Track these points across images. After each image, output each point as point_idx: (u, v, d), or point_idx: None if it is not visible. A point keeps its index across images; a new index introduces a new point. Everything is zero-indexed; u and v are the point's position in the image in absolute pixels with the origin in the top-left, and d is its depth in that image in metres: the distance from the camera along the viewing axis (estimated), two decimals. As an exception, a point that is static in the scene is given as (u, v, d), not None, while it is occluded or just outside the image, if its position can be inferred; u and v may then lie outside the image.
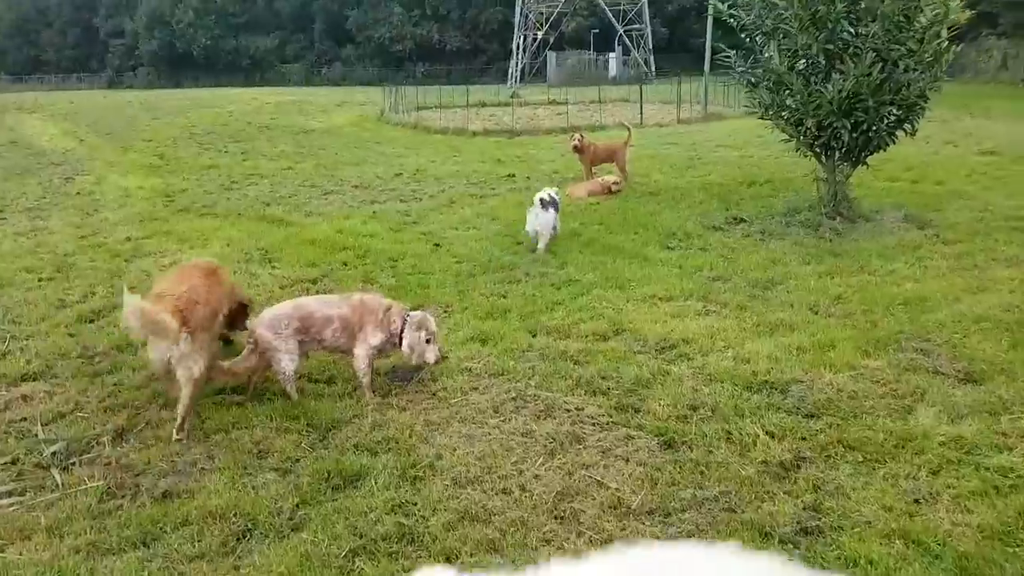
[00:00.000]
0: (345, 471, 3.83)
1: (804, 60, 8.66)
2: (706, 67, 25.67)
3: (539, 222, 8.10)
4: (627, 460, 3.86)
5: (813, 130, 8.87)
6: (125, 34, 77.82)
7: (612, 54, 65.41)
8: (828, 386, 4.75)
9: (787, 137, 9.44)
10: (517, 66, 62.29)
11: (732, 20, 9.60)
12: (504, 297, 6.74)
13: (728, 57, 9.68)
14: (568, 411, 4.35)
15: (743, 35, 9.56)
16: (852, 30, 8.28)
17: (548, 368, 5.00)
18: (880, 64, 8.28)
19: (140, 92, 55.93)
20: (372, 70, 71.77)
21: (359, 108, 33.76)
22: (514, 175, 13.86)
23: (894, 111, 8.71)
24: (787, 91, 8.98)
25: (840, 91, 8.33)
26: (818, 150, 9.28)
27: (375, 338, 4.71)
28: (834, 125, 8.62)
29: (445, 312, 6.33)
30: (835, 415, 4.37)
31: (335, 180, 13.76)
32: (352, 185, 13.24)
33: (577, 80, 53.12)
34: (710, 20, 24.22)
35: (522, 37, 64.48)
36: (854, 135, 8.68)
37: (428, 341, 4.64)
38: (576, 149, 12.78)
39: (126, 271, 7.71)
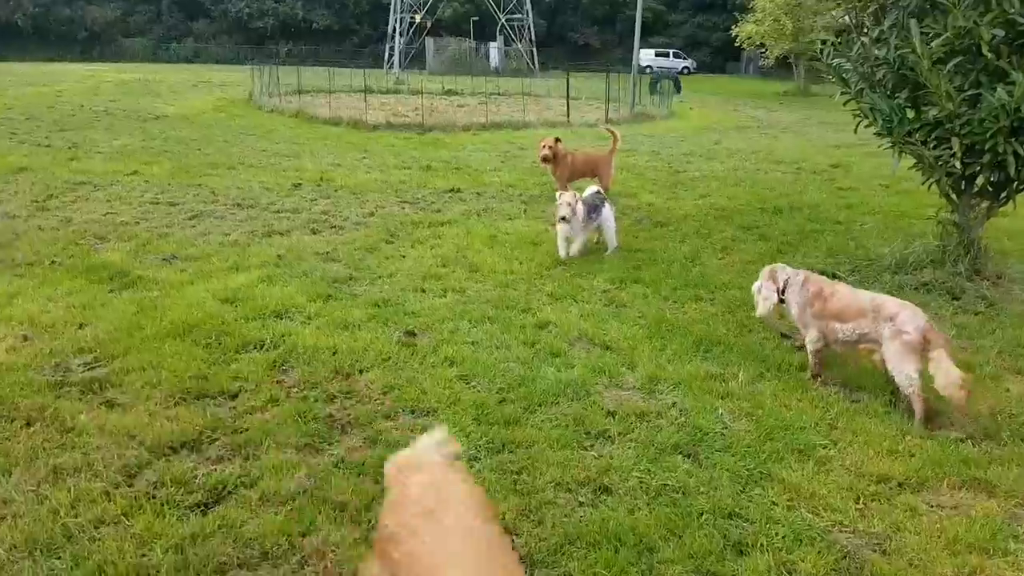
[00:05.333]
0: None
1: (960, 52, 5.79)
2: (635, 62, 23.01)
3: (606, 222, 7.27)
4: None
5: (960, 155, 6.03)
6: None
7: (493, 44, 62.49)
8: None
9: (918, 165, 6.55)
10: (395, 51, 58.04)
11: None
12: (606, 494, 3.38)
13: (823, 43, 6.73)
14: None
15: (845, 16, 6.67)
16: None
17: None
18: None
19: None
20: (229, 48, 65.16)
21: (219, 90, 28.86)
22: (459, 190, 10.38)
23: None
24: (922, 96, 6.13)
25: (1019, 99, 5.52)
26: (953, 184, 6.49)
27: None
28: (998, 149, 5.81)
29: (522, 557, 2.90)
30: None
31: (204, 193, 9.75)
32: (232, 202, 9.31)
33: (458, 69, 50.03)
34: (639, 9, 21.51)
35: (398, 20, 60.25)
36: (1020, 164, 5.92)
37: None
38: (546, 160, 9.50)
39: None
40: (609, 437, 3.86)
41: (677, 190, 10.79)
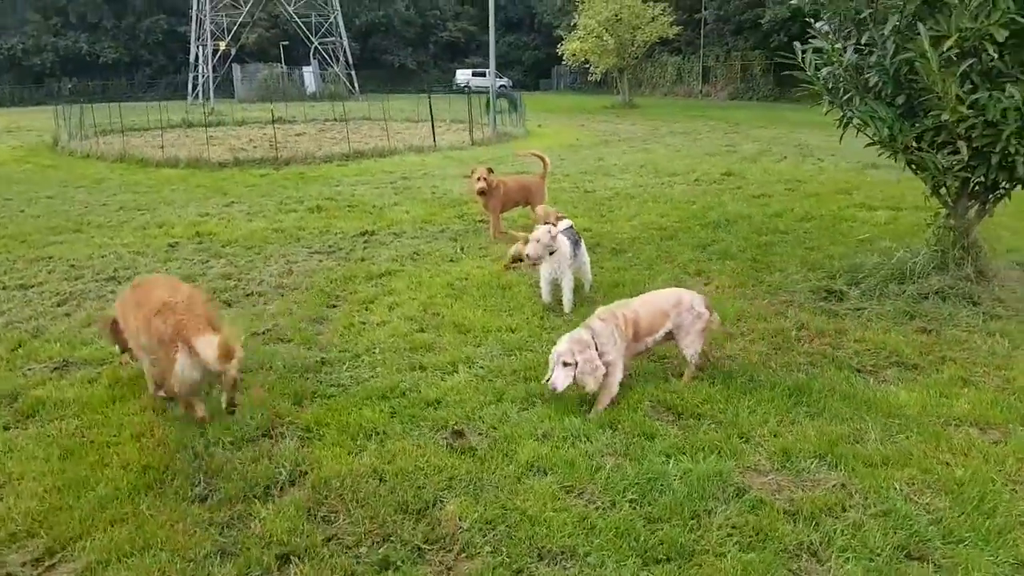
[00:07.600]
0: None
1: (967, 54, 5.51)
2: (492, 80, 22.41)
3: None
4: None
5: (965, 159, 5.78)
6: None
7: (308, 68, 60.13)
8: None
9: (919, 171, 6.23)
10: (200, 80, 54.19)
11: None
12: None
13: (804, 52, 6.30)
14: None
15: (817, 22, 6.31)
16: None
17: None
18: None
19: None
20: (3, 89, 58.25)
21: (9, 136, 25.16)
22: (372, 232, 9.14)
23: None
24: (920, 102, 5.83)
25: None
26: (954, 187, 6.25)
27: None
28: (1009, 151, 5.60)
29: None
30: None
31: (60, 267, 7.86)
32: (102, 275, 7.52)
33: (271, 95, 47.57)
34: (492, 30, 20.95)
35: (200, 49, 56.37)
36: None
37: None
38: (482, 192, 8.58)
39: None
40: (813, 552, 3.00)
41: (602, 212, 10.19)
